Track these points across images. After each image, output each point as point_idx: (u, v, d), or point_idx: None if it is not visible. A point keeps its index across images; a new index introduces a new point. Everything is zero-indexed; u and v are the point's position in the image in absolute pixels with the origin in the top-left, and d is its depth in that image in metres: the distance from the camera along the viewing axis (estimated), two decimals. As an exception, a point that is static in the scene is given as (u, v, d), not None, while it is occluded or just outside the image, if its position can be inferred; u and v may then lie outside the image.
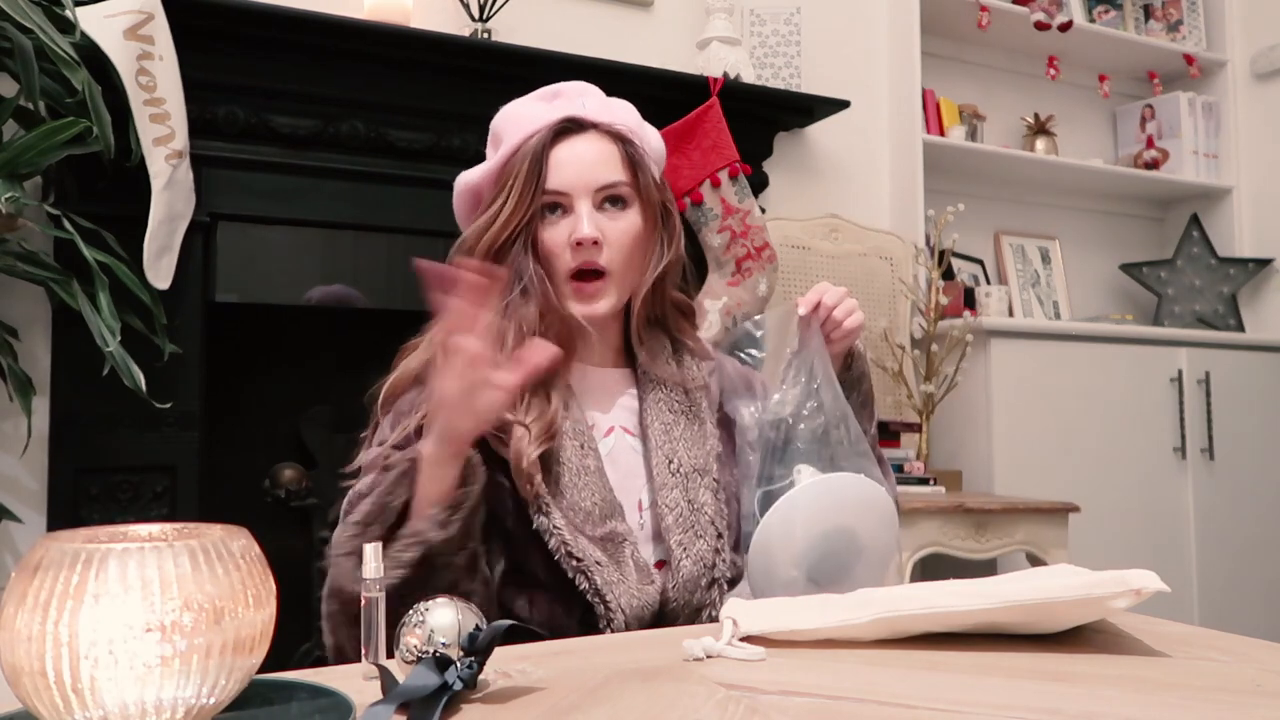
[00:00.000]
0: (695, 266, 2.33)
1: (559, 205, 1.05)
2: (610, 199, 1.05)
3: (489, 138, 1.13)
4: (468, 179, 1.12)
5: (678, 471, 1.06)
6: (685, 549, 1.02)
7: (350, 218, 2.04)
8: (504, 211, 1.03)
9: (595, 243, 1.03)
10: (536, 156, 1.03)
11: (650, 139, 1.13)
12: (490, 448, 0.99)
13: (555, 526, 0.96)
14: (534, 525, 0.97)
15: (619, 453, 1.07)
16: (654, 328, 1.13)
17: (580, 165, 1.04)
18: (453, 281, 0.87)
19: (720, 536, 1.05)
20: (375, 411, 1.06)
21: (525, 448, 0.97)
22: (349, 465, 1.05)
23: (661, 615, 1.00)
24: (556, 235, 1.04)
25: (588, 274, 1.04)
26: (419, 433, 0.97)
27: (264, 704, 0.60)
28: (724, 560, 1.04)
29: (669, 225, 1.10)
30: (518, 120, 1.08)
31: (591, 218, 1.03)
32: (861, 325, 1.15)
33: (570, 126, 1.05)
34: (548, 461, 0.99)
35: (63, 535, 0.53)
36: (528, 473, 0.96)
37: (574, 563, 0.96)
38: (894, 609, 0.78)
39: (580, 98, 1.09)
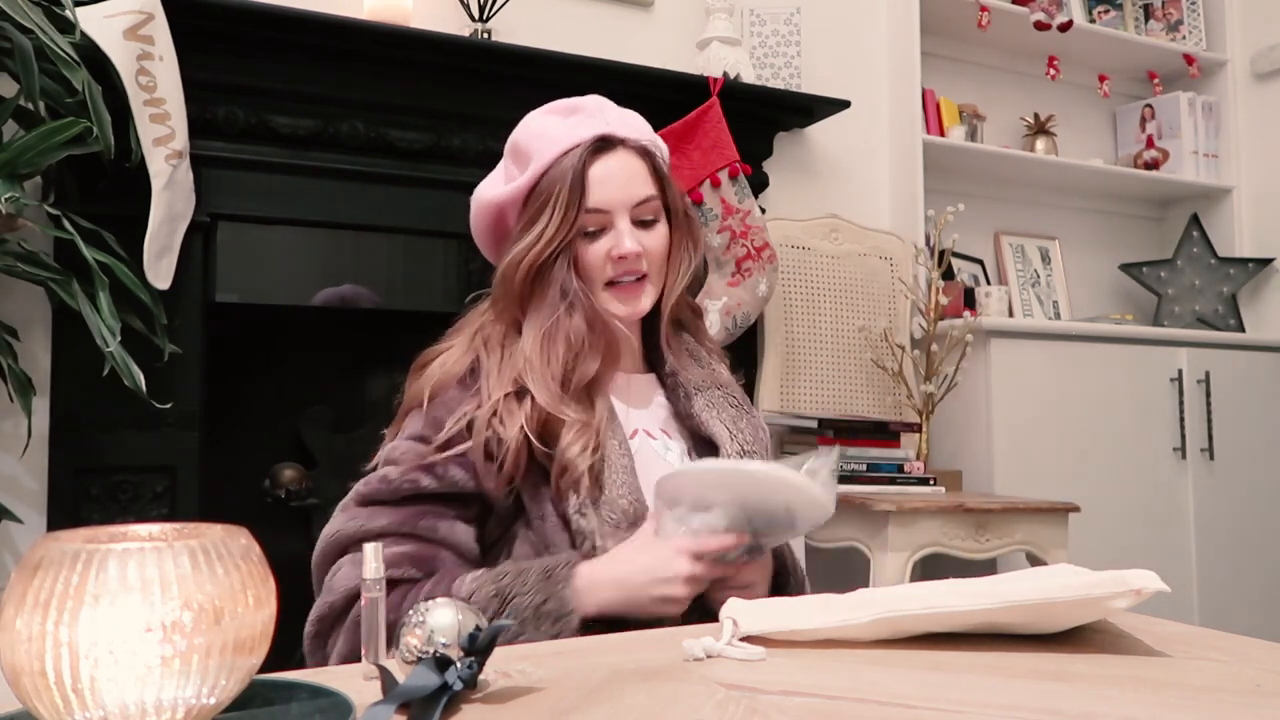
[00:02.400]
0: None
1: (598, 222, 1.08)
2: (644, 213, 1.10)
3: (510, 153, 1.15)
4: (490, 196, 1.14)
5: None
6: None
7: (350, 218, 2.04)
8: (548, 231, 1.07)
9: (638, 256, 1.09)
10: (578, 175, 1.07)
11: (662, 148, 1.18)
12: (534, 444, 1.03)
13: (590, 529, 1.01)
14: (572, 527, 1.01)
15: (643, 456, 1.10)
16: (677, 330, 1.18)
17: (617, 182, 1.08)
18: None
19: None
20: (410, 403, 1.08)
21: (576, 458, 1.01)
22: (372, 460, 1.07)
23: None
24: (597, 250, 1.09)
25: (627, 278, 1.10)
26: (469, 429, 1.02)
27: (264, 704, 0.60)
28: None
29: (692, 231, 1.16)
30: (544, 138, 1.10)
31: (631, 232, 1.08)
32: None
33: (602, 144, 1.09)
34: (594, 464, 1.02)
35: (63, 535, 0.53)
36: (575, 482, 1.01)
37: None
38: (894, 609, 0.78)
39: (600, 113, 1.12)
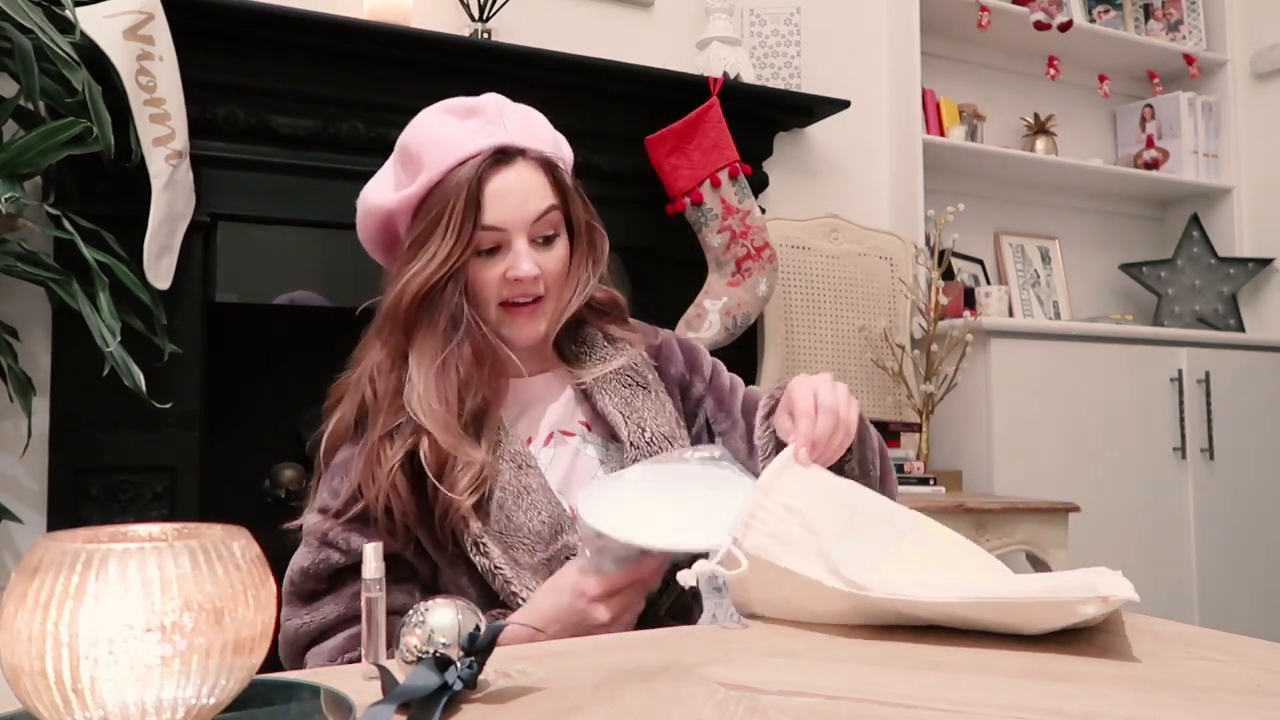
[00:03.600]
0: (694, 267, 2.34)
1: (493, 239, 1.02)
2: (543, 229, 1.04)
3: (400, 156, 1.07)
4: (377, 202, 1.08)
5: (651, 441, 1.06)
6: None
7: (350, 218, 2.03)
8: (439, 254, 1.00)
9: (535, 279, 1.03)
10: (473, 193, 0.99)
11: (565, 152, 1.10)
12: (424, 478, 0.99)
13: (497, 566, 0.96)
14: (479, 568, 0.97)
15: (560, 458, 1.06)
16: (577, 328, 1.13)
17: (515, 199, 1.01)
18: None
19: None
20: (317, 462, 1.05)
21: (456, 497, 0.96)
22: (293, 521, 1.04)
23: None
24: (491, 272, 1.02)
25: (523, 299, 1.04)
26: (360, 491, 0.99)
27: (264, 704, 0.60)
28: None
29: (594, 242, 1.10)
30: (437, 144, 1.02)
31: (528, 254, 1.02)
32: (851, 431, 0.97)
33: (500, 156, 1.01)
34: (481, 500, 0.98)
35: (63, 535, 0.53)
36: (463, 520, 0.96)
37: (518, 601, 0.96)
38: (866, 587, 0.78)
39: (500, 117, 1.04)
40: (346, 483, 1.00)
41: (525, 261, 1.01)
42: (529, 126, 1.06)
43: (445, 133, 1.03)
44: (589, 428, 1.10)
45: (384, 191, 1.08)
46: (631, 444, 1.05)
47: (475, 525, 0.97)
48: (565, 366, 1.11)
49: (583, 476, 1.06)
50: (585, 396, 1.10)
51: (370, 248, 1.14)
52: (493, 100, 1.07)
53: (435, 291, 1.01)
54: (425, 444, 0.97)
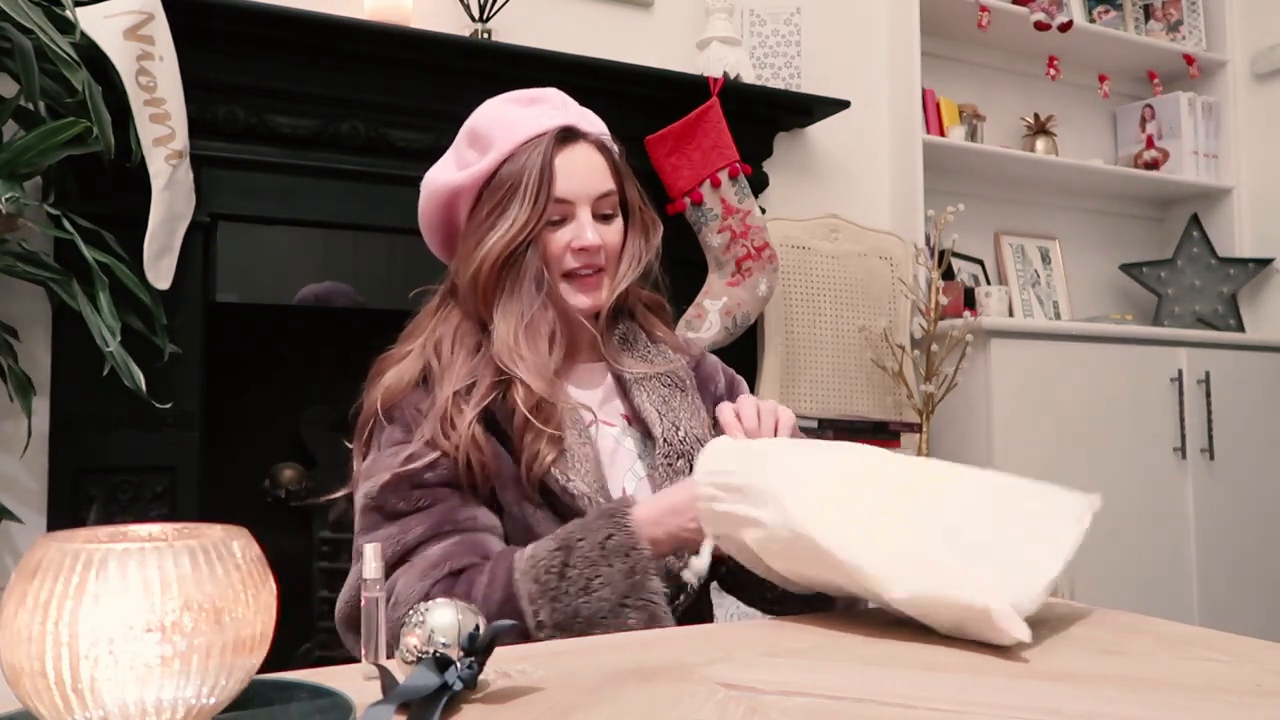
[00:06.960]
0: (694, 267, 2.34)
1: (561, 211, 1.09)
2: (603, 207, 1.11)
3: (467, 138, 1.14)
4: (443, 181, 1.13)
5: (684, 439, 1.11)
6: None
7: (350, 218, 2.04)
8: (519, 219, 1.06)
9: (598, 249, 1.09)
10: (547, 164, 1.06)
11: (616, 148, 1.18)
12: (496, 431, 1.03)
13: (579, 490, 1.02)
14: (564, 498, 1.02)
15: (603, 445, 1.10)
16: (625, 321, 1.18)
17: (582, 174, 1.08)
18: None
19: None
20: (373, 420, 1.08)
21: (542, 449, 1.02)
22: (348, 486, 1.07)
23: None
24: (559, 240, 1.09)
25: (586, 270, 1.10)
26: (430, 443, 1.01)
27: (264, 704, 0.60)
28: None
29: (647, 224, 1.17)
30: (507, 125, 1.09)
31: (593, 225, 1.09)
32: (780, 412, 1.09)
33: (567, 135, 1.09)
34: (556, 458, 1.03)
35: (63, 535, 0.53)
36: (539, 475, 1.02)
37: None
38: (817, 532, 0.81)
39: (563, 106, 1.12)
40: (419, 427, 1.02)
41: (590, 231, 1.08)
42: (587, 116, 1.14)
43: (513, 115, 1.10)
44: (630, 421, 1.14)
45: (447, 171, 1.14)
46: (665, 440, 1.10)
47: (554, 477, 1.02)
48: (607, 360, 1.16)
49: (620, 467, 1.10)
50: (624, 393, 1.15)
51: (430, 229, 1.19)
52: (555, 91, 1.14)
53: (518, 255, 1.07)
54: (519, 391, 1.02)
